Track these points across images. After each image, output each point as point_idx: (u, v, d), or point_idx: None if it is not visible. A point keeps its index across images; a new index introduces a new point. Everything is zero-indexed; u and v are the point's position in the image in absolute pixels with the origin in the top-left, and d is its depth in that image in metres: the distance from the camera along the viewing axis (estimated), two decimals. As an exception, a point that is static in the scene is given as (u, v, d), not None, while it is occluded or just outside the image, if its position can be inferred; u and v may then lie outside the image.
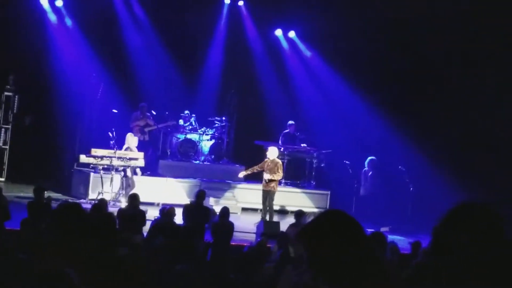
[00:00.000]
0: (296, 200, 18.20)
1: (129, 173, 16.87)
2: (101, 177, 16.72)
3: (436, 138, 19.17)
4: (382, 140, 19.55)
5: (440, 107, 19.36)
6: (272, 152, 16.54)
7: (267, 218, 16.09)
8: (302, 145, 19.40)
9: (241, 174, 17.16)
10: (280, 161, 16.71)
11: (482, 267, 2.31)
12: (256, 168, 16.66)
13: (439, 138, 19.20)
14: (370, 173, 18.28)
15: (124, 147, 17.19)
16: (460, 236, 2.37)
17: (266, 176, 16.23)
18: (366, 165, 18.32)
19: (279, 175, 16.41)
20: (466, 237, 2.35)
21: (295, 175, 18.97)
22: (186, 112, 19.60)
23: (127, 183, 16.84)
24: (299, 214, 13.72)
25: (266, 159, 16.44)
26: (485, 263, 2.32)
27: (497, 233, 2.37)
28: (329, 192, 19.15)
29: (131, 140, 17.38)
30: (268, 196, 16.28)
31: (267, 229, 14.48)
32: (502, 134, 18.74)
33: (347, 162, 18.32)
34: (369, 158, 18.40)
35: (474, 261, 2.31)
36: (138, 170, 17.35)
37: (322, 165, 19.38)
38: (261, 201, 16.59)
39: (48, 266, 3.89)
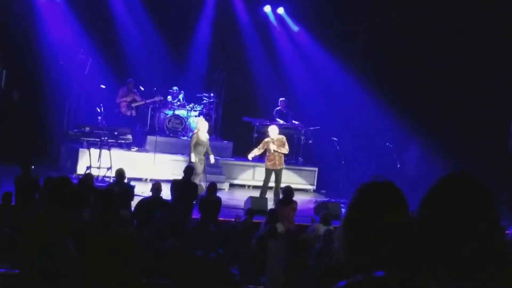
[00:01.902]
0: (283, 176, 18.22)
1: (197, 160, 16.20)
2: (89, 153, 16.72)
3: (425, 116, 19.25)
4: (370, 117, 19.61)
5: (430, 83, 19.40)
6: (273, 131, 16.38)
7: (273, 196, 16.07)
8: (294, 122, 19.44)
9: (250, 156, 16.46)
10: (284, 137, 16.51)
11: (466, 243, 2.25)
12: (260, 149, 16.46)
13: (428, 115, 19.29)
14: (413, 153, 18.48)
15: (195, 132, 16.67)
16: (446, 206, 2.32)
17: (278, 154, 16.18)
18: (409, 147, 18.46)
19: (286, 149, 16.36)
20: (453, 206, 2.30)
21: (283, 151, 18.96)
22: (175, 88, 19.57)
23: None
24: (286, 191, 13.79)
25: (267, 140, 16.29)
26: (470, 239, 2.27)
27: (484, 204, 2.31)
28: (316, 169, 19.24)
29: (201, 124, 16.66)
30: (277, 174, 16.24)
31: (255, 205, 14.53)
32: (489, 111, 18.86)
33: (334, 139, 18.37)
34: (412, 138, 18.57)
35: (458, 236, 2.26)
36: (212, 157, 16.61)
37: (310, 141, 19.43)
38: (249, 177, 16.61)
39: (43, 238, 3.92)
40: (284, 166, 16.42)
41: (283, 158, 16.29)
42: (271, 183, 16.28)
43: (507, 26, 18.32)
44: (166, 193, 13.42)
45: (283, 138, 16.41)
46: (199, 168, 16.15)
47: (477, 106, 18.92)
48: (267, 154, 16.22)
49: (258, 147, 16.39)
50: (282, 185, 15.56)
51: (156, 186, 12.58)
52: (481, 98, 18.92)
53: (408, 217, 2.46)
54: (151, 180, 16.57)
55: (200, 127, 16.51)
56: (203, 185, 15.63)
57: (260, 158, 17.17)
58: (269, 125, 17.97)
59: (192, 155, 16.09)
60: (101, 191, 6.00)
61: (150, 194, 12.77)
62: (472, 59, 18.87)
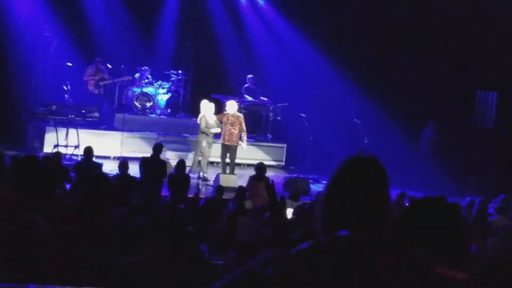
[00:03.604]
0: (252, 153, 18.29)
1: (205, 143, 16.17)
2: (56, 131, 16.59)
3: (391, 90, 19.37)
4: (338, 93, 19.67)
5: (397, 59, 19.51)
6: (231, 106, 16.43)
7: (228, 172, 16.13)
8: (262, 98, 19.45)
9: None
10: (241, 115, 16.63)
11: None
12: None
13: (394, 90, 19.41)
14: (429, 133, 18.83)
15: (200, 115, 16.30)
16: (348, 182, 2.53)
17: (215, 130, 16.17)
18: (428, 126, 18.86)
19: (242, 130, 16.39)
20: (353, 183, 2.52)
21: (252, 128, 18.98)
22: (144, 67, 19.43)
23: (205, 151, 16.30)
24: (259, 167, 13.86)
25: (225, 112, 16.38)
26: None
27: (378, 181, 2.54)
28: (285, 145, 19.29)
29: (206, 107, 16.29)
30: (230, 151, 16.26)
31: (224, 182, 14.57)
32: (453, 88, 19.06)
33: (303, 115, 18.41)
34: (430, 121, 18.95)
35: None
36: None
37: (278, 118, 19.46)
38: (218, 154, 16.60)
39: (12, 218, 3.91)
40: (237, 144, 16.33)
41: (235, 135, 16.27)
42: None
43: (479, 9, 18.49)
44: (134, 171, 13.41)
45: (240, 116, 16.43)
46: (207, 151, 16.14)
47: (443, 83, 19.13)
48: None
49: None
50: (250, 161, 15.61)
51: (123, 164, 12.58)
52: (446, 75, 19.12)
53: (387, 193, 2.55)
54: (119, 158, 16.51)
55: (206, 110, 16.27)
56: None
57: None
58: (238, 102, 17.97)
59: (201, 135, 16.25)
60: (96, 177, 5.97)
61: (118, 171, 12.75)
62: (440, 36, 19.02)
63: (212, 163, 18.22)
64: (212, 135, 16.20)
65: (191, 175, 15.46)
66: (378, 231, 2.44)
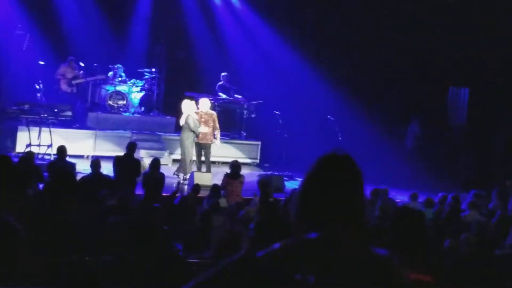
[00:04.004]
0: (226, 151, 18.27)
1: (189, 143, 15.83)
2: (29, 130, 16.46)
3: (364, 87, 19.46)
4: (312, 90, 19.73)
5: (369, 57, 19.60)
6: (204, 104, 16.38)
7: (204, 170, 16.08)
8: (237, 96, 19.43)
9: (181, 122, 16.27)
10: (215, 113, 16.58)
11: None
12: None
13: (367, 87, 19.51)
14: (414, 129, 19.02)
15: (185, 115, 15.82)
16: (323, 179, 2.57)
17: (203, 129, 16.08)
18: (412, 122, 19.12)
19: (215, 128, 16.34)
20: (329, 180, 2.57)
21: (226, 126, 18.96)
22: (118, 66, 19.31)
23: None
24: (234, 165, 13.86)
25: (197, 111, 16.29)
26: None
27: (353, 178, 2.59)
28: (259, 143, 19.30)
29: (189, 106, 15.89)
30: (204, 149, 16.20)
31: (198, 180, 14.55)
32: (427, 86, 19.19)
33: (277, 112, 18.44)
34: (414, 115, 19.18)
35: None
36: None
37: (252, 115, 19.45)
38: (192, 152, 16.55)
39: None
40: (211, 142, 16.25)
41: (209, 133, 16.18)
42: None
43: (452, 5, 18.63)
44: (108, 170, 13.35)
45: (213, 114, 16.38)
46: (191, 151, 16.00)
47: (416, 80, 19.25)
48: None
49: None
50: (226, 159, 15.54)
51: (95, 163, 12.51)
52: (420, 73, 19.25)
53: (362, 191, 2.58)
54: (92, 157, 16.41)
55: (189, 110, 15.93)
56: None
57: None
58: (212, 99, 17.93)
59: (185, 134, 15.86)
60: (61, 175, 5.93)
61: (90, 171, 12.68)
62: (413, 33, 19.13)
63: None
64: (194, 134, 16.08)
65: (186, 177, 15.45)
66: (350, 231, 2.47)
